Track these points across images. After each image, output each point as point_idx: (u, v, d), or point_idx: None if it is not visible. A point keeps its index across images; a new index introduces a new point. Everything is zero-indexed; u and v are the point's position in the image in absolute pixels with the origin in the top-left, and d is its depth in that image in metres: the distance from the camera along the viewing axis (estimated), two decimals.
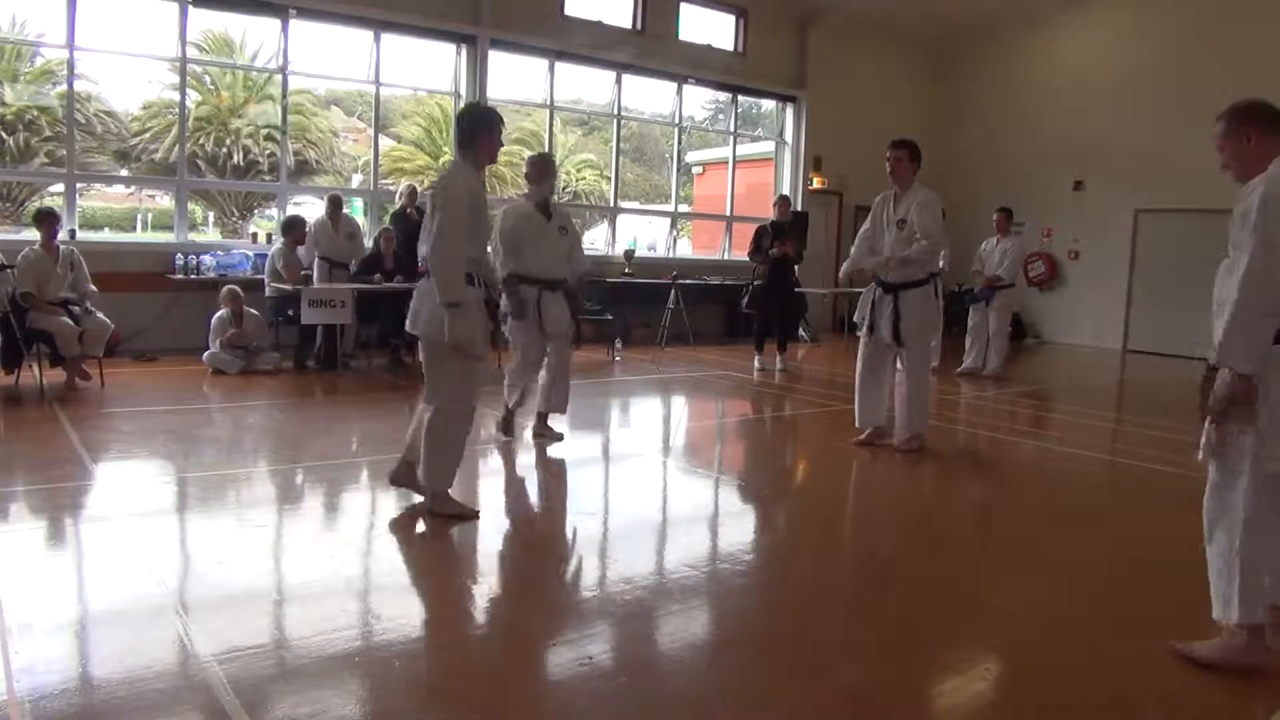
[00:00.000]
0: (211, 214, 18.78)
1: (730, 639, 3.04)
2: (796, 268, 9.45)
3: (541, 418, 5.76)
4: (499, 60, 11.02)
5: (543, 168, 5.60)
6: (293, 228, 8.50)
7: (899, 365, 5.88)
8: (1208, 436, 2.78)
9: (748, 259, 9.46)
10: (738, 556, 3.92)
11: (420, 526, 4.04)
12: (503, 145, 4.19)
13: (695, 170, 17.74)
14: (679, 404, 8.05)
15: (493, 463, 5.57)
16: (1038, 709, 2.59)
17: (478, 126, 4.03)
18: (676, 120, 13.25)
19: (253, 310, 8.11)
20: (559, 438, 5.73)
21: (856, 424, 5.91)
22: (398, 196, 9.76)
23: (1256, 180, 2.68)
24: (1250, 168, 2.75)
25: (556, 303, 5.52)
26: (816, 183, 13.94)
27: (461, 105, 10.79)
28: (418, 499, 4.18)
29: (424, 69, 12.68)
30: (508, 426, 5.73)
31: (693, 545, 4.05)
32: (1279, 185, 2.61)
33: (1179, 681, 2.74)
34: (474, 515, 4.14)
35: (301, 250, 8.53)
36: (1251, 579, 2.69)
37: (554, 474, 5.39)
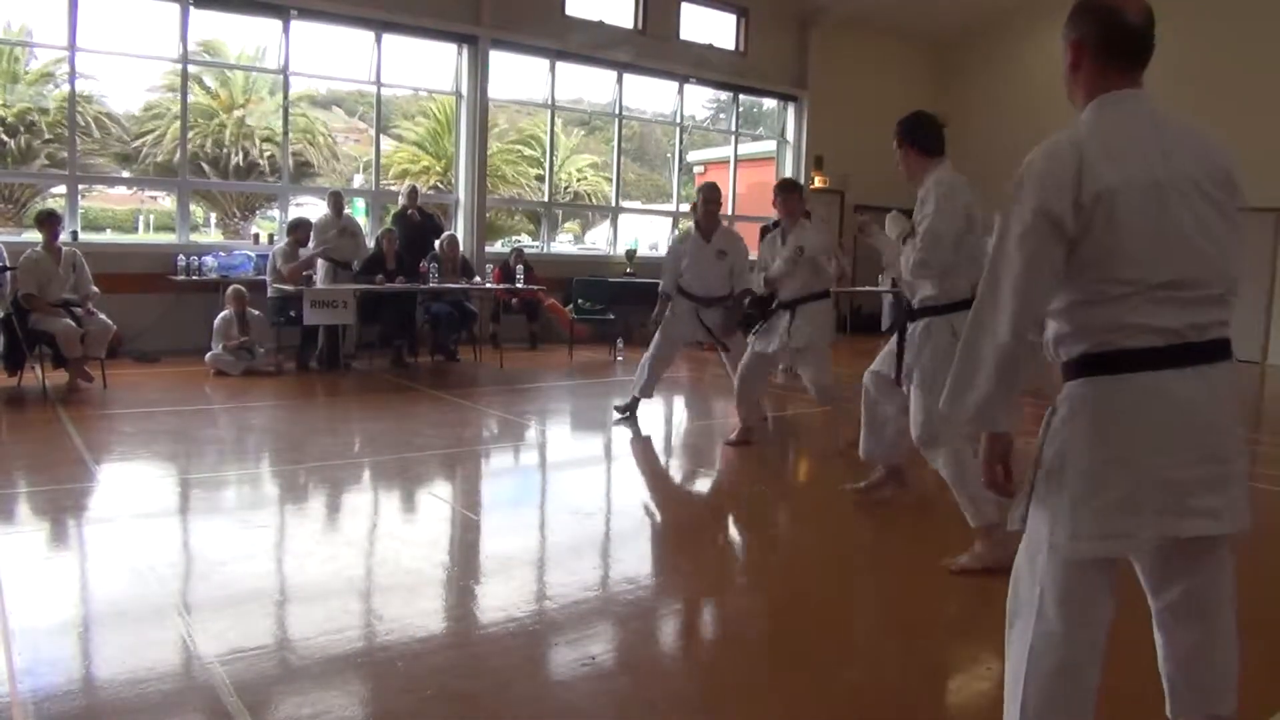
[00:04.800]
0: (213, 215, 18.78)
1: (732, 638, 3.04)
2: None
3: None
4: (500, 60, 11.03)
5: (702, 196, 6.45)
6: (296, 228, 8.55)
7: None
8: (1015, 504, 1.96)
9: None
10: (739, 556, 3.92)
11: (424, 530, 4.03)
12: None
13: (697, 169, 17.72)
14: (680, 403, 8.05)
15: (495, 463, 5.57)
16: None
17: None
18: (678, 120, 13.25)
19: (254, 310, 8.11)
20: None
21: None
22: (401, 197, 9.77)
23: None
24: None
25: (714, 314, 6.28)
26: (818, 182, 13.93)
27: (464, 107, 10.87)
28: None
29: (425, 69, 12.69)
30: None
31: (694, 545, 4.05)
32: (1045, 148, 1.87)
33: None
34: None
35: (304, 251, 8.55)
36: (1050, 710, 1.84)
37: (555, 475, 5.40)
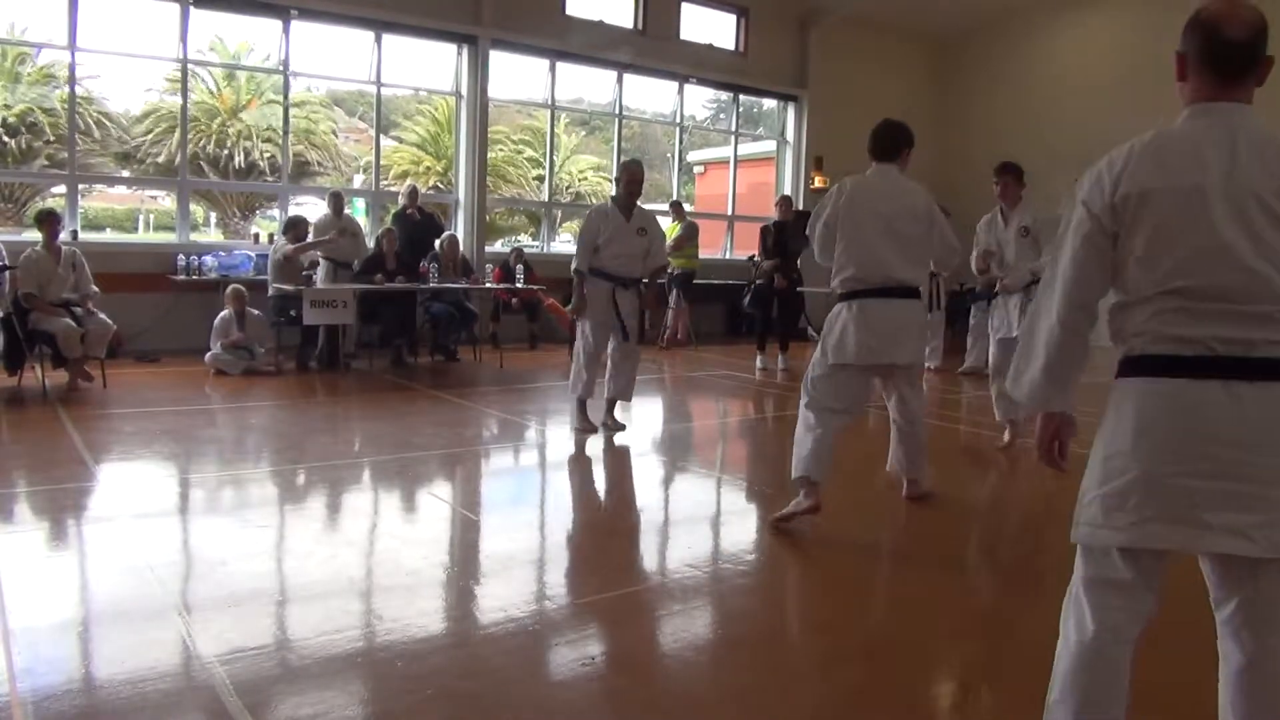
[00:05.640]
0: (213, 215, 18.78)
1: (732, 639, 3.04)
2: (800, 263, 9.47)
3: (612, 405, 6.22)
4: (500, 60, 11.03)
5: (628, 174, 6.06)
6: (293, 227, 8.57)
7: None
8: None
9: (759, 257, 9.54)
10: (739, 556, 3.92)
11: (421, 528, 4.03)
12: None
13: (697, 169, 17.73)
14: (680, 403, 8.05)
15: (495, 463, 5.57)
16: (1040, 708, 2.58)
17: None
18: (678, 120, 13.25)
19: (254, 310, 8.12)
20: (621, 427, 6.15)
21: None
22: (401, 196, 9.78)
23: None
24: None
25: (629, 297, 5.95)
26: (818, 182, 13.92)
27: (464, 107, 10.87)
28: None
29: (425, 69, 12.69)
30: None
31: (694, 545, 4.05)
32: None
33: (1178, 678, 2.73)
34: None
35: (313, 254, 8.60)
36: (1075, 693, 1.93)
37: (555, 474, 5.40)
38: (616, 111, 12.64)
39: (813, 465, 3.97)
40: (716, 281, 12.61)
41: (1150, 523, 1.78)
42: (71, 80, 9.84)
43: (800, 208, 12.51)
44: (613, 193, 6.19)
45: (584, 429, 6.00)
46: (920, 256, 4.14)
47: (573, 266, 5.87)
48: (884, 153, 4.15)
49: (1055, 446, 1.98)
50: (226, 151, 17.79)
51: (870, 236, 3.97)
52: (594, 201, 19.56)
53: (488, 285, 9.65)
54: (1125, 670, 1.90)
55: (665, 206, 11.98)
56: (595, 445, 5.81)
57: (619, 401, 6.13)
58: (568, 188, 19.96)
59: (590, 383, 6.01)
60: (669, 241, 10.94)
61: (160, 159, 16.42)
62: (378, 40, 10.22)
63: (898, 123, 4.19)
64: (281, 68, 10.22)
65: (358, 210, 11.16)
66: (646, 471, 5.45)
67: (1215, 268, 1.73)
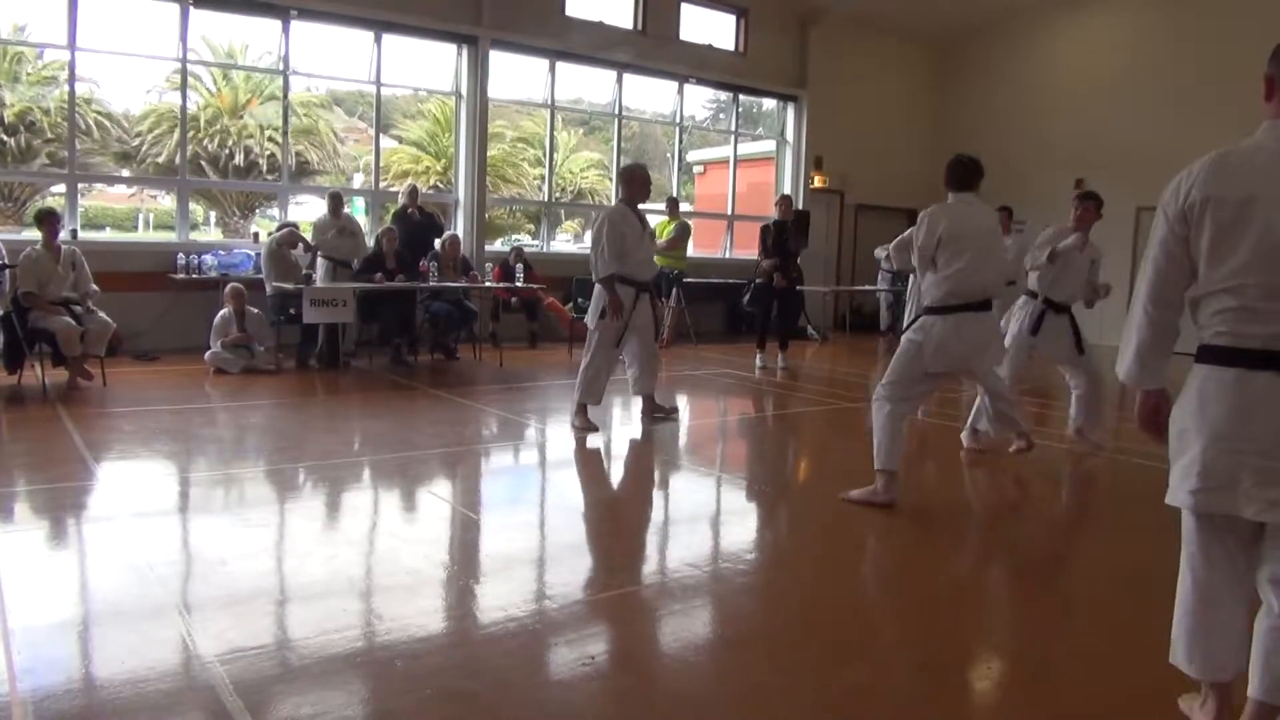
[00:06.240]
0: (213, 214, 18.79)
1: (733, 639, 3.04)
2: (800, 262, 9.47)
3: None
4: (500, 60, 11.04)
5: (642, 177, 6.16)
6: (282, 229, 8.68)
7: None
8: None
9: (758, 257, 9.53)
10: (740, 556, 3.92)
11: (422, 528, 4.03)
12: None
13: (696, 169, 17.73)
14: (681, 402, 8.04)
15: (494, 462, 5.57)
16: (1041, 708, 2.59)
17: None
18: (678, 120, 13.25)
19: (253, 309, 8.12)
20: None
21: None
22: (401, 195, 9.78)
23: None
24: None
25: (644, 301, 6.17)
26: (818, 181, 13.94)
27: (464, 106, 10.88)
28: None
29: (425, 69, 12.69)
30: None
31: (695, 544, 4.05)
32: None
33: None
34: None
35: (299, 251, 8.60)
36: (1180, 636, 2.28)
37: (555, 473, 5.40)
38: (616, 111, 12.64)
39: (897, 458, 4.43)
40: (716, 281, 12.61)
41: (1207, 491, 2.08)
42: (71, 80, 9.83)
43: (800, 207, 12.52)
44: (616, 194, 6.26)
45: (584, 428, 6.02)
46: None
47: (599, 274, 5.86)
48: (965, 183, 4.53)
49: (1156, 419, 2.25)
50: (226, 151, 17.80)
51: (976, 258, 4.36)
52: (594, 200, 19.58)
53: (487, 284, 9.65)
54: (1224, 616, 2.17)
55: (662, 206, 11.95)
56: (596, 444, 5.81)
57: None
58: (569, 187, 19.97)
59: (603, 389, 6.15)
60: (661, 240, 10.91)
61: (160, 159, 16.43)
62: (377, 40, 10.22)
63: (973, 157, 4.61)
64: (281, 68, 10.22)
65: (358, 210, 11.17)
66: (646, 471, 5.45)
67: (1274, 268, 1.99)
